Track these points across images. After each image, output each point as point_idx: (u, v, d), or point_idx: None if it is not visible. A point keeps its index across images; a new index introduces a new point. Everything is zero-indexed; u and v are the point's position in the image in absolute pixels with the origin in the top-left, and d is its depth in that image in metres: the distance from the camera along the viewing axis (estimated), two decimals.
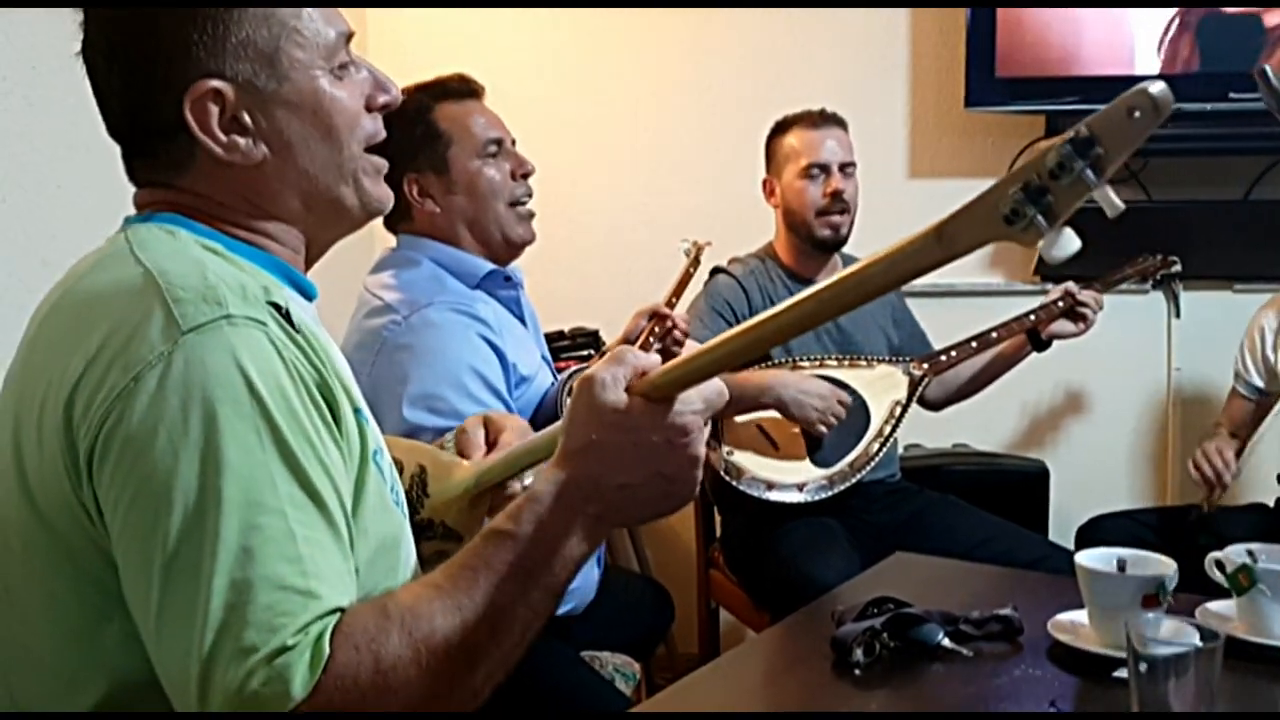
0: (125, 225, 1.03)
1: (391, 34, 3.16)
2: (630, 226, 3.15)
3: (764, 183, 2.44)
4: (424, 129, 1.87)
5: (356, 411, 0.99)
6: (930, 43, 2.95)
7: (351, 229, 1.11)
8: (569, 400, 1.87)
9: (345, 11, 1.05)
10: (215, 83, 0.97)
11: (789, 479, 2.21)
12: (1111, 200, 0.71)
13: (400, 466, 1.21)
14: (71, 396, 0.87)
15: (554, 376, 2.01)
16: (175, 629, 0.82)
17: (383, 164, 1.09)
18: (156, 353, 0.85)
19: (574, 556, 0.91)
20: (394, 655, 0.84)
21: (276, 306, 0.94)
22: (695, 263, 2.30)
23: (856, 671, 1.27)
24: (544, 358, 2.01)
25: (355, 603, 0.88)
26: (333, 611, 0.84)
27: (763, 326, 0.87)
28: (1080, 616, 1.34)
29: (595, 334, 3.05)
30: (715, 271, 2.46)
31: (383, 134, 1.08)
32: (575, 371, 1.98)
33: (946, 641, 1.32)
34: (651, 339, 2.18)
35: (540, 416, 1.90)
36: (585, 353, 2.96)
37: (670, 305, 2.27)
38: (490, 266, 1.88)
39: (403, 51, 3.08)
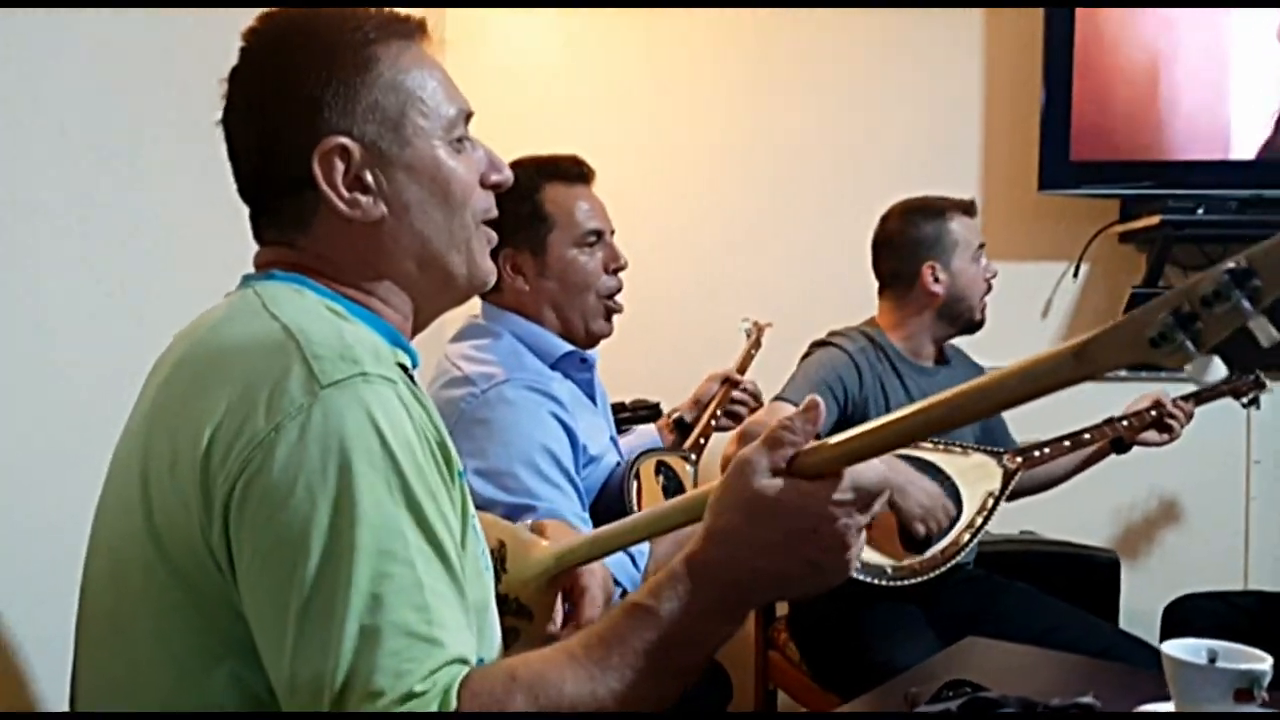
0: (245, 283, 1.07)
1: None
2: (694, 302, 3.15)
3: (928, 269, 2.34)
4: (530, 208, 1.89)
5: (460, 474, 1.02)
6: (1004, 124, 2.95)
7: (455, 301, 1.16)
8: (631, 480, 1.88)
9: (426, 11, 1.11)
10: (343, 140, 1.03)
11: (878, 559, 2.17)
12: (1268, 331, 0.72)
13: None
14: (210, 444, 0.90)
15: (620, 456, 2.01)
16: (307, 672, 0.84)
17: (494, 237, 1.14)
18: (297, 405, 0.88)
19: (714, 638, 0.90)
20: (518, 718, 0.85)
21: (403, 367, 0.98)
22: (757, 344, 2.30)
23: None
24: (612, 438, 2.02)
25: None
26: (455, 661, 0.86)
27: (913, 418, 0.87)
28: (1166, 709, 1.29)
29: (656, 406, 3.04)
30: (820, 344, 2.40)
31: (495, 211, 1.14)
32: (643, 453, 1.98)
33: None
34: (720, 407, 2.18)
35: (605, 496, 1.90)
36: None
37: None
38: (568, 347, 1.90)
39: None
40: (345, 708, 0.82)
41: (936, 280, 2.35)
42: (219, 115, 1.08)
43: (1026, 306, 2.94)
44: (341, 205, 1.04)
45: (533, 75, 3.21)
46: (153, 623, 0.95)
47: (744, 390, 2.21)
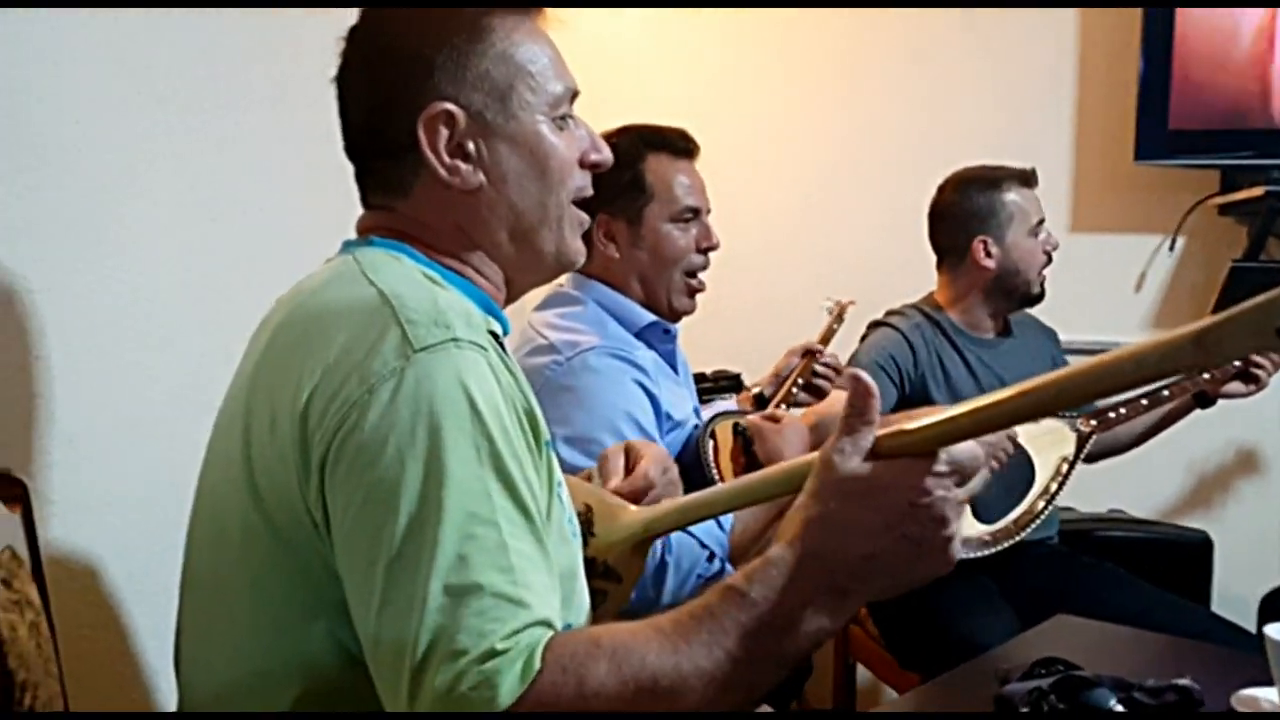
0: (346, 248, 1.10)
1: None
2: (778, 274, 3.12)
3: (979, 243, 2.30)
4: (631, 176, 1.89)
5: (547, 443, 1.02)
6: (1099, 91, 2.86)
7: (544, 278, 1.18)
8: (709, 444, 1.87)
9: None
10: (449, 106, 1.05)
11: None
12: None
13: None
14: (308, 404, 0.92)
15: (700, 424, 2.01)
16: (392, 630, 0.85)
17: (585, 219, 1.16)
18: (390, 368, 0.90)
19: (811, 630, 0.87)
20: (598, 683, 0.84)
21: (495, 335, 0.99)
22: (839, 319, 2.27)
23: None
24: (695, 408, 2.02)
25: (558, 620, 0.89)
26: (541, 623, 0.86)
27: (1015, 400, 0.85)
28: (1269, 694, 1.25)
29: (737, 377, 3.02)
30: (875, 325, 2.40)
31: (590, 191, 1.15)
32: (716, 416, 1.97)
33: (1119, 708, 1.25)
34: (800, 379, 2.17)
35: (684, 460, 1.89)
36: (726, 397, 2.94)
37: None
38: (652, 318, 1.90)
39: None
40: (427, 667, 0.82)
41: (988, 255, 2.31)
42: (331, 75, 1.10)
43: (1120, 280, 2.86)
44: (442, 171, 1.05)
45: (609, 44, 3.19)
46: (250, 577, 0.97)
47: (825, 364, 2.19)
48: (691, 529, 1.65)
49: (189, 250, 1.60)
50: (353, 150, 1.11)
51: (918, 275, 2.48)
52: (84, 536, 1.42)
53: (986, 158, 2.41)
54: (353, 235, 1.12)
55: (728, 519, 1.70)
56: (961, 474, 0.88)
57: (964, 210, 2.33)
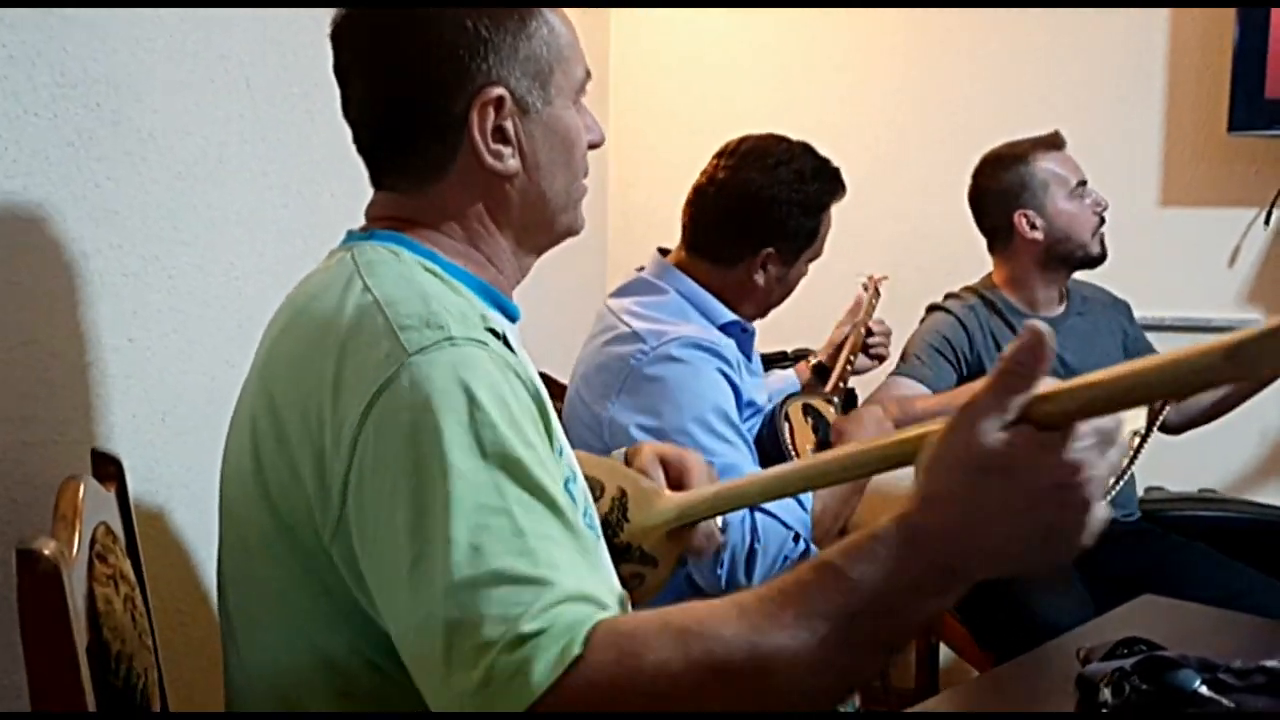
0: (349, 240, 1.09)
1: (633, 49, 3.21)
2: (843, 254, 3.05)
3: (1020, 217, 2.29)
4: (814, 225, 1.91)
5: (560, 448, 0.99)
6: (1191, 59, 2.77)
7: (541, 253, 1.17)
8: (782, 422, 1.87)
9: (591, 12, 1.11)
10: (502, 91, 1.03)
11: None
12: None
13: (600, 488, 1.24)
14: (320, 431, 0.91)
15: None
16: (421, 636, 0.82)
17: (586, 189, 1.15)
18: (385, 377, 0.88)
19: (918, 613, 0.78)
20: (658, 665, 0.78)
21: (494, 332, 0.96)
22: (876, 294, 2.27)
23: (1104, 712, 1.20)
24: (770, 397, 2.03)
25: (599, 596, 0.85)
26: (577, 598, 0.82)
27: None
28: None
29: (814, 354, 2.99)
30: (933, 309, 2.40)
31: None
32: (788, 397, 1.98)
33: (1204, 690, 1.22)
34: (854, 350, 2.17)
35: (760, 441, 1.90)
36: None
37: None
38: (733, 316, 1.91)
39: (641, 64, 3.11)
40: (458, 669, 0.79)
41: (1033, 226, 2.29)
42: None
43: (1212, 254, 2.78)
44: (486, 156, 1.04)
45: (654, 21, 3.18)
46: (276, 590, 0.97)
47: (876, 333, 2.22)
48: (773, 509, 1.65)
49: (272, 234, 1.65)
50: (386, 129, 1.06)
51: (971, 251, 2.45)
52: (175, 513, 1.47)
53: (1073, 129, 2.37)
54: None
55: (807, 497, 1.70)
56: (1107, 437, 0.77)
57: (997, 189, 2.33)
